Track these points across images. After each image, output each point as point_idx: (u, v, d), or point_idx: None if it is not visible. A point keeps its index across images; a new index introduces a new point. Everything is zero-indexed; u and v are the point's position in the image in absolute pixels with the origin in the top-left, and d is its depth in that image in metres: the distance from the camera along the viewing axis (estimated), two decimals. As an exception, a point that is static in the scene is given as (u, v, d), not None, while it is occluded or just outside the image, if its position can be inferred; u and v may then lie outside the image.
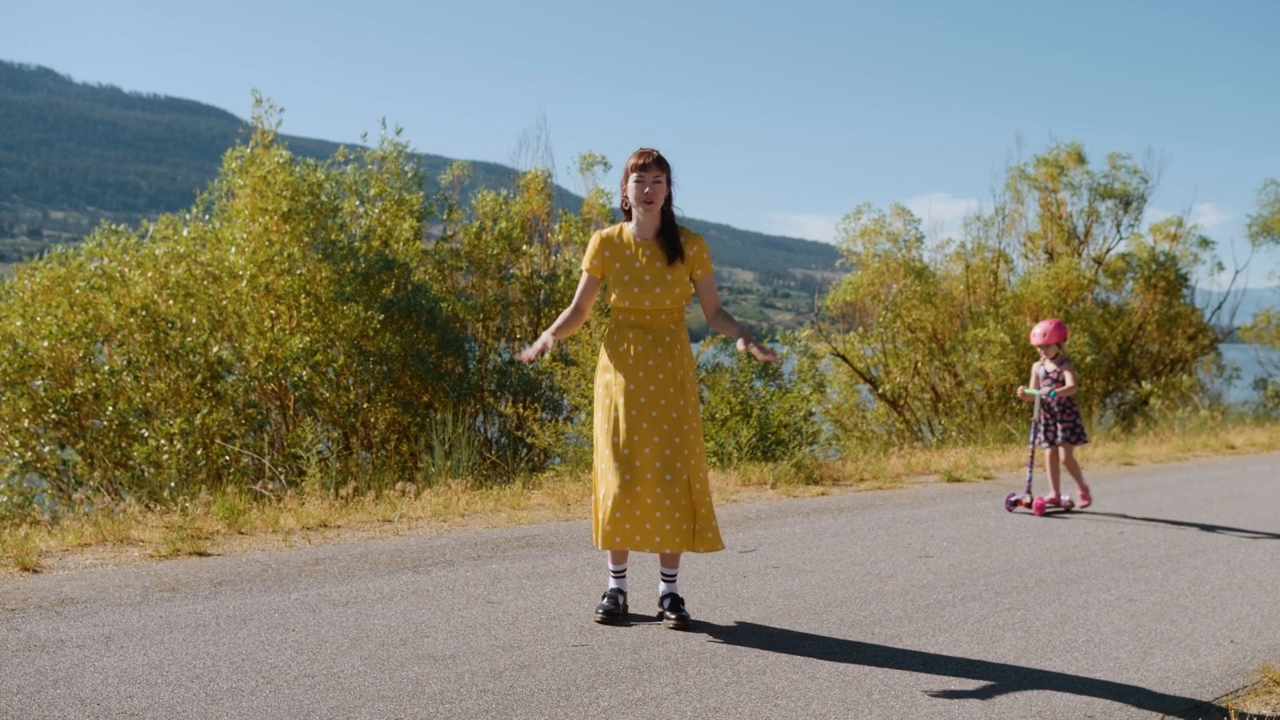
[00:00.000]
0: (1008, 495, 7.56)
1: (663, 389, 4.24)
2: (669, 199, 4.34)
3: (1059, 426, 7.56)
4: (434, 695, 3.41)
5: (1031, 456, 7.67)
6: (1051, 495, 7.57)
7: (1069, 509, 7.54)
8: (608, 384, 4.30)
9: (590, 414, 9.97)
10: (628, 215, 4.39)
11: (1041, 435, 7.64)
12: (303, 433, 9.62)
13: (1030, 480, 7.51)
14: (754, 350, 4.15)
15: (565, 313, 4.44)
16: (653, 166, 4.26)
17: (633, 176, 4.28)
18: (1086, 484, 7.80)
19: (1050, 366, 7.62)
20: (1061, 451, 7.59)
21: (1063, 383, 7.51)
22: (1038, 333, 7.58)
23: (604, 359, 4.36)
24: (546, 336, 4.27)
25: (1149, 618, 4.64)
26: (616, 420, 4.22)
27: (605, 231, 4.41)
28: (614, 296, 4.32)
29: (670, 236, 4.32)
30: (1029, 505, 7.42)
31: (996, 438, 12.86)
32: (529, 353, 4.22)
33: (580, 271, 3.91)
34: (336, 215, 11.21)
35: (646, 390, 4.23)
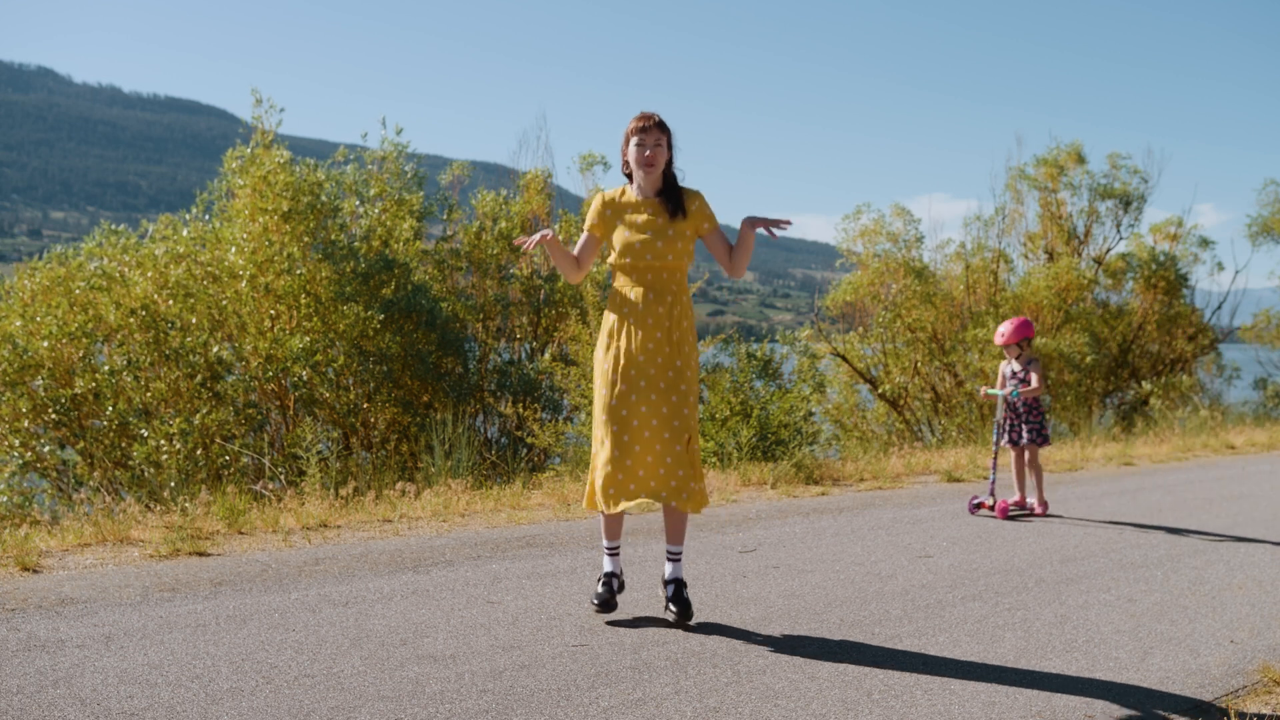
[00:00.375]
0: (970, 498, 7.43)
1: (660, 347, 4.22)
2: (670, 162, 4.33)
3: (1024, 428, 7.44)
4: (434, 695, 3.41)
5: (995, 458, 7.54)
6: (1016, 498, 7.46)
7: (1032, 512, 7.39)
8: (608, 345, 4.29)
9: (590, 414, 9.96)
10: (629, 179, 4.38)
11: (1006, 436, 7.55)
12: (303, 433, 9.61)
13: (994, 482, 7.40)
14: (769, 228, 4.23)
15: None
16: (653, 129, 4.25)
17: (633, 140, 4.27)
18: (1046, 498, 7.65)
19: (1016, 366, 7.50)
20: (1026, 453, 7.48)
21: (1029, 383, 7.42)
22: (1001, 333, 7.44)
23: (606, 321, 4.34)
24: (549, 232, 4.22)
25: (1149, 618, 4.64)
26: (615, 378, 4.22)
27: (608, 192, 4.39)
28: (615, 255, 4.29)
29: (672, 194, 4.30)
30: (992, 508, 7.31)
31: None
32: (528, 241, 4.20)
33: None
34: (336, 215, 11.21)
35: (645, 348, 4.21)
